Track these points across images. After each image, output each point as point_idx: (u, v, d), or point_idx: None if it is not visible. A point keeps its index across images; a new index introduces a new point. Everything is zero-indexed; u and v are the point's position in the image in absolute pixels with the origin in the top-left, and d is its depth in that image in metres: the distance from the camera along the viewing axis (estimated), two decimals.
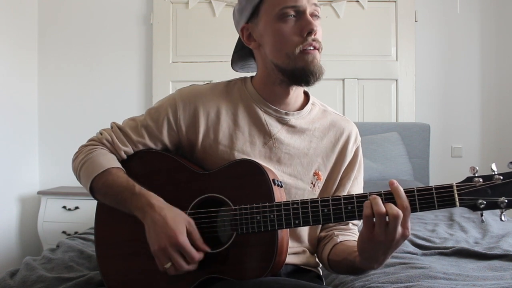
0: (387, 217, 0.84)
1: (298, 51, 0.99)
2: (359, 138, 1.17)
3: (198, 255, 0.94)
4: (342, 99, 3.12)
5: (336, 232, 1.10)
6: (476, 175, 0.84)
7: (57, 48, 3.21)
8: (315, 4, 1.01)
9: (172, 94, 1.13)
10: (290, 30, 1.00)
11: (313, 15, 1.01)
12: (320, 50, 1.02)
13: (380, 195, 0.87)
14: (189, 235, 0.94)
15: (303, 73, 1.01)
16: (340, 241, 1.07)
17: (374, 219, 0.84)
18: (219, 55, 3.02)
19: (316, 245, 1.15)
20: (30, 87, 3.17)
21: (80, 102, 3.21)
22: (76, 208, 2.85)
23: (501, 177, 0.81)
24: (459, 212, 2.17)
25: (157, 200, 0.98)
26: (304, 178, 1.09)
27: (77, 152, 1.12)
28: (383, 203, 0.85)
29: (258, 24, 1.04)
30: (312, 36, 1.00)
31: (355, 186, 1.13)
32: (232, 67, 1.20)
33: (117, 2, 3.22)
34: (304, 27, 0.99)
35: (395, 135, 2.87)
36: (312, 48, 1.00)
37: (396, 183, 0.86)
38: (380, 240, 0.85)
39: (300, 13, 1.00)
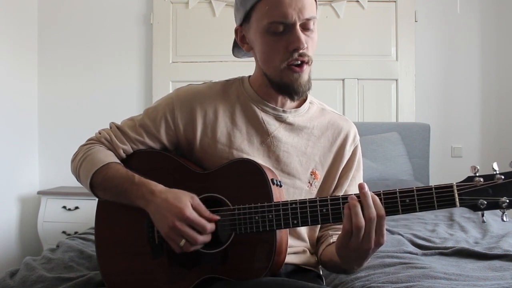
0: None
1: (284, 66, 0.99)
2: (357, 137, 1.16)
3: (209, 225, 0.93)
4: (342, 99, 3.12)
5: (330, 232, 1.11)
6: (477, 174, 0.83)
7: (57, 48, 3.21)
8: (308, 18, 0.97)
9: (169, 94, 1.13)
10: (277, 45, 0.98)
11: (305, 28, 0.98)
12: (310, 62, 1.00)
13: (379, 194, 0.87)
14: (194, 209, 0.94)
15: (287, 89, 1.01)
16: (332, 242, 1.07)
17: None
18: (219, 55, 3.03)
19: (315, 245, 1.15)
20: (30, 87, 3.17)
21: (80, 102, 3.21)
22: (76, 208, 2.85)
23: (503, 177, 0.81)
24: (459, 212, 2.16)
25: (156, 186, 0.98)
26: (302, 177, 1.09)
27: (76, 152, 1.13)
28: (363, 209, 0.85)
29: (250, 30, 1.04)
30: (299, 52, 0.97)
31: (353, 186, 1.13)
32: (235, 55, 1.19)
33: (117, 2, 3.22)
34: (291, 43, 0.97)
35: (395, 135, 2.87)
36: (299, 63, 0.98)
37: (366, 188, 0.87)
38: (353, 248, 0.87)
39: (289, 27, 0.97)
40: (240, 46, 1.10)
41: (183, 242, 0.92)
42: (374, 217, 0.84)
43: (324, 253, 1.08)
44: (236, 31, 1.09)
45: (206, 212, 0.95)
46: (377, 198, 0.86)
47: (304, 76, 1.01)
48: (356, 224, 0.85)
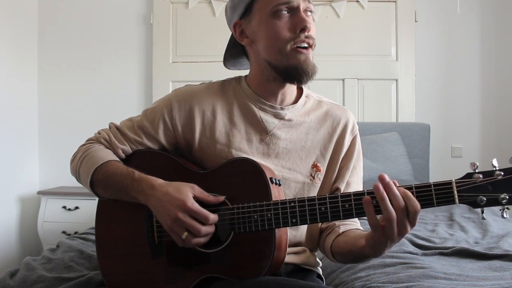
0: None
1: (290, 47, 0.99)
2: (356, 126, 1.16)
3: (212, 215, 0.93)
4: (342, 99, 3.12)
5: (337, 223, 1.10)
6: (477, 171, 0.82)
7: (57, 48, 3.21)
8: (308, 0, 1.01)
9: (167, 95, 1.13)
10: (283, 26, 0.99)
11: (306, 11, 1.01)
12: (313, 47, 1.02)
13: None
14: (197, 198, 0.94)
15: (296, 71, 1.01)
16: (343, 232, 1.07)
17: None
18: (219, 55, 2.95)
19: (316, 241, 1.15)
20: (30, 87, 3.17)
21: (80, 102, 3.21)
22: (76, 208, 2.85)
23: (502, 173, 0.80)
24: (459, 212, 2.16)
25: (156, 181, 0.98)
26: (302, 171, 1.09)
27: (75, 153, 1.13)
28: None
29: (251, 21, 1.04)
30: (306, 33, 0.99)
31: (354, 177, 1.13)
32: (225, 65, 1.20)
33: (117, 2, 3.23)
34: (298, 23, 0.99)
35: (395, 135, 2.87)
36: (305, 45, 1.00)
37: (387, 178, 0.84)
38: (385, 237, 0.85)
39: (293, 10, 1.00)
40: (239, 42, 1.08)
41: (185, 235, 0.91)
42: (403, 206, 0.82)
43: (337, 243, 1.06)
44: (234, 26, 1.08)
45: (210, 197, 0.95)
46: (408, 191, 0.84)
47: (311, 59, 1.01)
48: (387, 217, 0.82)
